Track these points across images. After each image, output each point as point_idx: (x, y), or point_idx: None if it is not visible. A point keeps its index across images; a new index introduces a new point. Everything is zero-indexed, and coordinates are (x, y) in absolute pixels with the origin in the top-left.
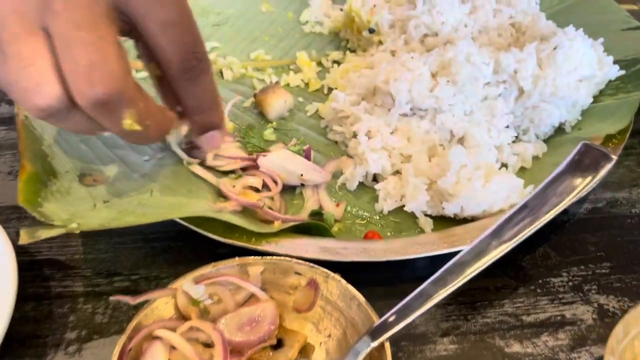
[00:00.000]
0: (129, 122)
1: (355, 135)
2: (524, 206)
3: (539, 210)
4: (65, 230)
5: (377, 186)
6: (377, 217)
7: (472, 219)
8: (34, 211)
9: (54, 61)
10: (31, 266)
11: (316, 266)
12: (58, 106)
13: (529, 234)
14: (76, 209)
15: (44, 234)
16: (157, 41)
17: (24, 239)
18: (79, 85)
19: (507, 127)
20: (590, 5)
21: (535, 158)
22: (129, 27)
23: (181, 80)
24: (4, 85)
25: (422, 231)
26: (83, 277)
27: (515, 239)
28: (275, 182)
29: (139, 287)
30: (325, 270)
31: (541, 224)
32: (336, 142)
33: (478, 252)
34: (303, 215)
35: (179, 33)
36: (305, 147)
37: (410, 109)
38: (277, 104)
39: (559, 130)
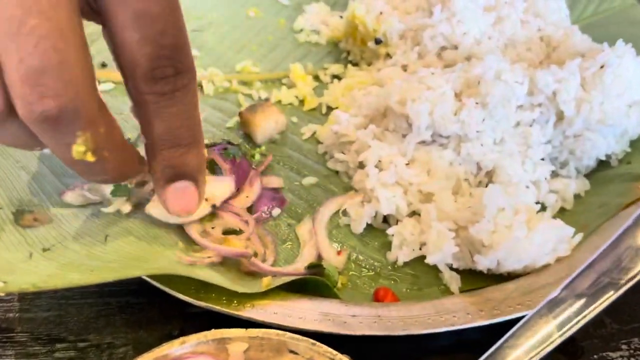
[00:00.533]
0: (81, 150)
1: (361, 166)
2: (589, 268)
3: (610, 275)
4: None
5: (389, 230)
6: (390, 269)
7: (509, 276)
8: None
9: None
10: None
11: (318, 344)
12: None
13: (598, 309)
14: (6, 261)
15: None
16: (124, 35)
17: None
18: (24, 94)
19: (542, 159)
20: (627, 17)
21: (576, 197)
22: (92, 11)
23: (147, 94)
24: None
25: (446, 289)
26: (17, 344)
27: (580, 317)
28: (246, 222)
29: (87, 358)
30: (331, 350)
31: (616, 297)
32: (337, 172)
33: (531, 332)
34: (298, 266)
35: (155, 28)
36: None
37: (430, 136)
38: (267, 124)
39: (603, 163)
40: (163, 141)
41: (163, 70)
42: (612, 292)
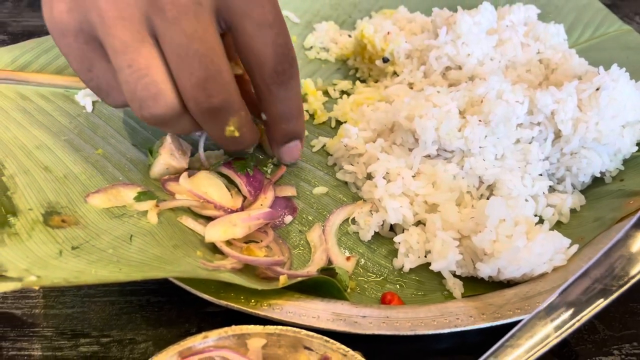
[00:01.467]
0: (231, 129)
1: (370, 177)
2: (584, 276)
3: (603, 282)
4: (20, 285)
5: (396, 239)
6: (396, 274)
7: (508, 283)
8: None
9: (167, 70)
10: None
11: (331, 341)
12: (172, 114)
13: (592, 313)
14: (37, 258)
15: None
16: (252, 42)
17: None
18: (196, 96)
19: (540, 175)
20: (622, 42)
21: (572, 211)
22: (221, 30)
23: (272, 85)
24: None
25: (449, 294)
26: (42, 338)
27: (575, 320)
28: (265, 232)
29: (110, 352)
30: (343, 346)
31: (608, 302)
32: (346, 183)
33: (530, 333)
34: (311, 270)
35: (274, 34)
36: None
37: (436, 150)
38: None
39: (598, 180)
40: (282, 117)
41: (282, 65)
42: (604, 298)
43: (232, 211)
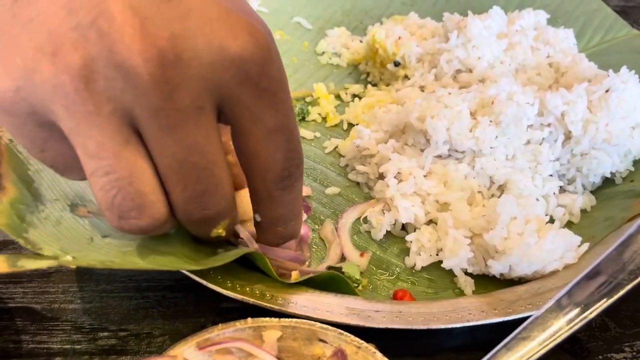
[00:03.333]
0: (219, 231)
1: (382, 177)
2: (596, 271)
3: (615, 277)
4: (57, 262)
5: (408, 237)
6: (408, 273)
7: (519, 281)
8: (19, 237)
9: (155, 176)
10: (0, 315)
11: (345, 333)
12: (159, 224)
13: (603, 307)
14: (69, 241)
15: (30, 264)
16: (260, 149)
17: (3, 267)
18: (188, 209)
19: (551, 175)
20: (632, 46)
21: (582, 212)
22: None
23: (276, 190)
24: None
25: (460, 292)
26: (62, 331)
27: (587, 313)
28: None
29: (128, 346)
30: (357, 339)
31: (619, 295)
32: (358, 184)
33: (543, 326)
34: (325, 266)
35: (285, 140)
36: None
37: (447, 150)
38: None
39: (608, 181)
40: (280, 220)
41: (290, 170)
42: (616, 292)
43: None
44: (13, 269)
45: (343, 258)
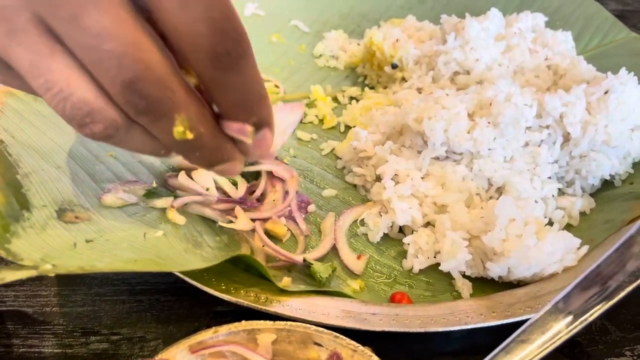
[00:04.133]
0: (180, 130)
1: (379, 179)
2: (596, 273)
3: (614, 278)
4: (36, 272)
5: (405, 240)
6: (405, 275)
7: (518, 283)
8: (1, 248)
9: (91, 79)
10: None
11: (341, 336)
12: (117, 126)
13: (603, 309)
14: (52, 248)
15: (10, 275)
16: (177, 24)
17: None
18: (127, 101)
19: (550, 177)
20: (630, 49)
21: (582, 214)
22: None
23: (216, 71)
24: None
25: (458, 295)
26: (53, 335)
27: (587, 315)
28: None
29: (120, 350)
30: (352, 342)
31: (619, 298)
32: (355, 186)
33: (542, 329)
34: (310, 255)
35: (204, 6)
36: None
37: (445, 152)
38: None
39: (607, 183)
40: (237, 107)
41: (225, 45)
42: (616, 295)
43: (237, 201)
44: None
45: (335, 252)
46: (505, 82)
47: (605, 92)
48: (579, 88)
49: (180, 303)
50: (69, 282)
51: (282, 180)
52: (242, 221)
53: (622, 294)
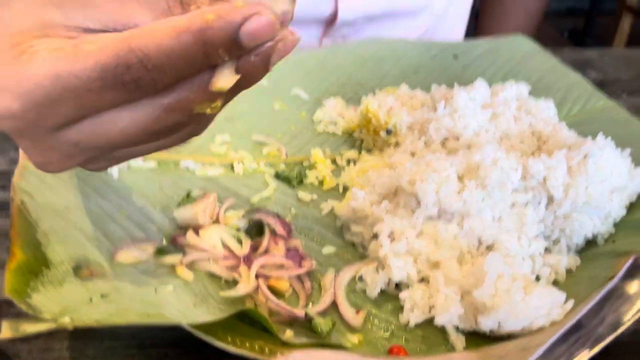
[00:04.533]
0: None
1: (376, 237)
2: (578, 325)
3: (595, 331)
4: (55, 325)
5: (402, 295)
6: (402, 330)
7: (509, 337)
8: (21, 302)
9: None
10: None
11: None
12: None
13: (586, 358)
14: (69, 303)
15: (30, 328)
16: None
17: (5, 332)
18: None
19: (537, 236)
20: (609, 116)
21: (568, 271)
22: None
23: None
24: None
25: (452, 348)
26: None
27: None
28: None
29: None
30: None
31: (600, 347)
32: (353, 245)
33: None
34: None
35: None
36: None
37: (437, 212)
38: None
39: (591, 242)
40: None
41: None
42: (596, 345)
43: (242, 258)
44: (15, 334)
45: (335, 307)
46: (492, 147)
47: (585, 156)
48: (560, 153)
49: (189, 356)
50: (81, 336)
51: (283, 237)
52: (243, 284)
53: (603, 343)
